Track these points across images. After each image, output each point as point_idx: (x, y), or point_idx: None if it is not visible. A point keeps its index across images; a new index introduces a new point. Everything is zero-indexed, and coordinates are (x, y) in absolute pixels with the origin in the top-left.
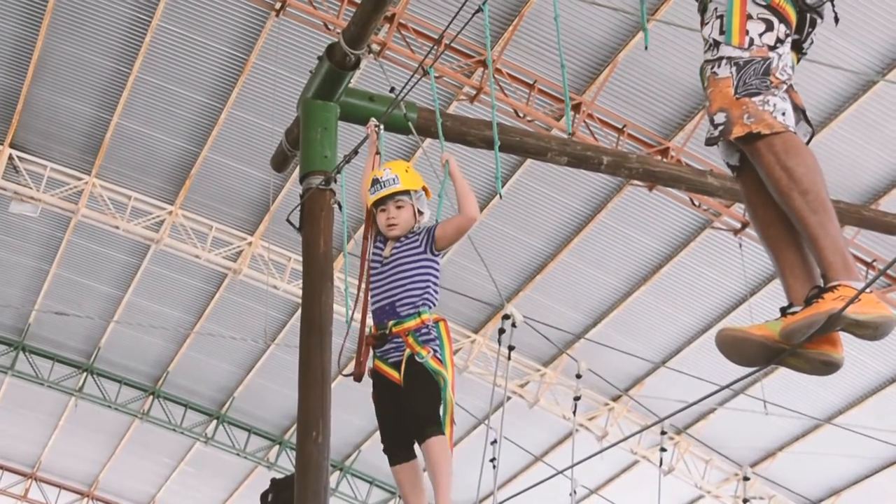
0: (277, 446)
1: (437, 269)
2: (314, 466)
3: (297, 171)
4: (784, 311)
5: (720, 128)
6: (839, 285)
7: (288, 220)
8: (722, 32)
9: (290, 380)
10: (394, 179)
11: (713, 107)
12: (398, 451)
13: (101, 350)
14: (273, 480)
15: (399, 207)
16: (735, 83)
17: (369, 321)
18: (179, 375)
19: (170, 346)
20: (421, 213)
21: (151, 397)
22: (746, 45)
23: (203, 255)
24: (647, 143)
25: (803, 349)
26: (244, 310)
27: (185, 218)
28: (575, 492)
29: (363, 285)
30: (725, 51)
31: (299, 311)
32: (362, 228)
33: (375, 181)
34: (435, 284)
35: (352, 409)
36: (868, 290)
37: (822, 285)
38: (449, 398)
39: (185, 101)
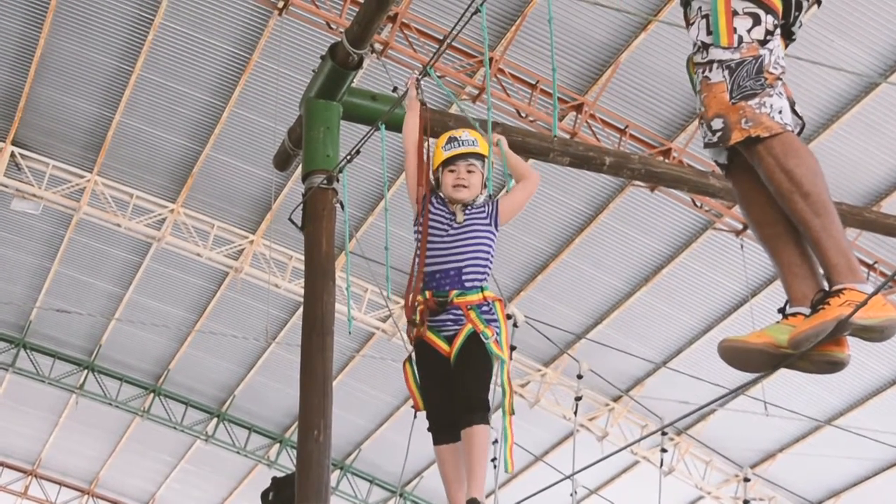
0: (278, 444)
1: (494, 245)
2: (315, 465)
3: (299, 170)
4: (782, 311)
5: (718, 134)
6: (845, 289)
7: (290, 220)
8: (709, 33)
9: (290, 378)
10: (473, 141)
11: (709, 112)
12: (443, 431)
13: (102, 347)
14: (274, 479)
15: (470, 171)
16: (729, 87)
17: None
18: (180, 373)
19: (171, 344)
20: (485, 186)
21: (152, 395)
22: (736, 45)
23: (204, 254)
24: (650, 144)
25: (809, 352)
26: (245, 308)
27: (186, 216)
28: (576, 492)
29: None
30: (715, 53)
31: (300, 309)
32: (363, 227)
33: (453, 139)
34: (492, 260)
35: (353, 408)
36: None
37: (827, 288)
38: (506, 383)
39: (187, 99)
